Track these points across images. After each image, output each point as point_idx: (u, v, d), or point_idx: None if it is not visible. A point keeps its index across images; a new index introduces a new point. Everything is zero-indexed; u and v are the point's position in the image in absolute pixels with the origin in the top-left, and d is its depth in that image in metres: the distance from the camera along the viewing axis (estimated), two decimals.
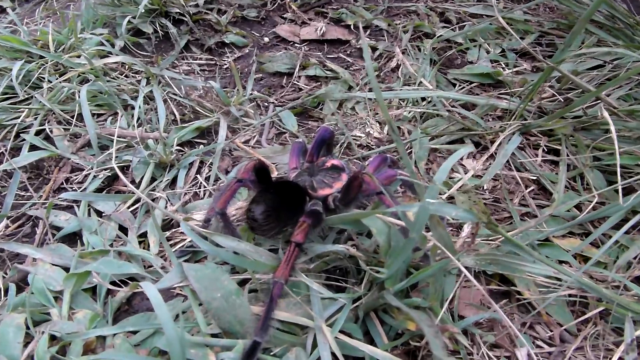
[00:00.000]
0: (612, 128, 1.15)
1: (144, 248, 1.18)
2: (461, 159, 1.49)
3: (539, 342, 1.04)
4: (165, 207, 1.27)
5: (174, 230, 1.21)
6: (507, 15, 2.05)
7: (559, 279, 1.09)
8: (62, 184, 1.41)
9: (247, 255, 0.93)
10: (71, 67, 1.65)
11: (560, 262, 1.15)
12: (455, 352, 0.94)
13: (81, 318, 1.00)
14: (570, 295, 1.07)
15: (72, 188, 1.39)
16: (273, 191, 0.98)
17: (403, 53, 1.88)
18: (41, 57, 1.74)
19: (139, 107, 1.54)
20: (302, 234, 0.90)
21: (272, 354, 0.88)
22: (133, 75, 1.76)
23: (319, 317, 0.89)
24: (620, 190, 1.09)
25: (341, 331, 0.91)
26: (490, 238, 1.12)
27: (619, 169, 1.11)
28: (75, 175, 1.42)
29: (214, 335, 0.90)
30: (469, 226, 1.06)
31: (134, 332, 0.96)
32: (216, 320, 0.88)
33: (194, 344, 0.86)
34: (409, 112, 1.61)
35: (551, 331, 1.05)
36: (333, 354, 0.87)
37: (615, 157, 1.11)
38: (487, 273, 1.13)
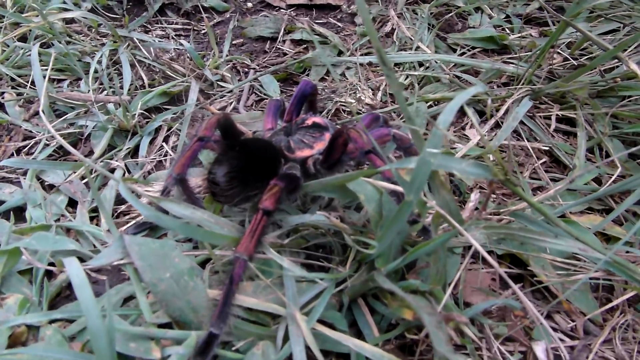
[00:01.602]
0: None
1: (96, 224, 0.99)
2: (463, 128, 1.30)
3: (560, 335, 0.86)
4: (123, 177, 1.08)
5: (129, 203, 1.01)
6: None
7: (578, 260, 0.91)
8: (12, 154, 1.21)
9: (204, 226, 0.73)
10: (25, 24, 1.44)
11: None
12: (461, 347, 0.75)
13: (11, 304, 0.81)
14: (591, 279, 0.89)
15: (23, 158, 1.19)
16: (239, 149, 0.78)
17: (399, 17, 1.68)
18: None
19: (102, 69, 1.34)
20: (271, 199, 0.70)
21: (233, 348, 0.69)
22: (99, 38, 1.56)
23: (292, 303, 0.70)
24: None
25: (321, 321, 0.72)
26: (500, 211, 0.93)
27: None
28: (28, 144, 1.22)
29: (161, 326, 0.70)
30: (476, 195, 0.87)
31: (71, 321, 0.77)
32: (164, 306, 0.69)
33: (134, 335, 0.67)
34: (406, 78, 1.42)
35: (573, 321, 0.88)
36: (310, 349, 0.67)
37: None
38: (496, 253, 0.95)
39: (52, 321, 0.77)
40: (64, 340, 0.73)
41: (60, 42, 1.37)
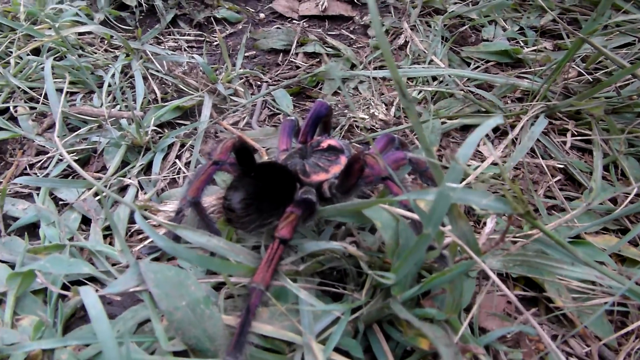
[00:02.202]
0: None
1: (110, 242, 1.00)
2: (477, 144, 1.30)
3: None
4: (136, 195, 1.08)
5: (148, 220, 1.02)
6: None
7: (593, 283, 0.90)
8: (25, 168, 1.22)
9: (220, 253, 0.73)
10: (38, 38, 1.45)
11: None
12: None
13: (26, 326, 0.82)
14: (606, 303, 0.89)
15: (35, 174, 1.20)
16: (255, 175, 0.79)
17: (412, 29, 1.68)
18: (12, 29, 1.55)
19: (115, 82, 1.35)
20: (288, 228, 0.71)
21: None
22: (112, 50, 1.57)
23: (308, 331, 0.70)
24: None
25: (337, 349, 0.72)
26: (517, 235, 0.93)
27: None
28: (41, 160, 1.23)
29: (177, 354, 0.71)
30: (492, 220, 0.87)
31: (88, 345, 0.78)
32: (180, 334, 0.69)
33: None
34: (419, 93, 1.42)
35: (588, 346, 0.87)
36: None
37: None
38: (511, 276, 0.95)
39: None
40: None
41: (73, 56, 1.38)
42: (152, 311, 0.72)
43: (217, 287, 0.84)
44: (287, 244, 0.71)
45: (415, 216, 0.71)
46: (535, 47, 1.62)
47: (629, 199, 1.08)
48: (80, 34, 1.56)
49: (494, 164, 1.17)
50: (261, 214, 0.77)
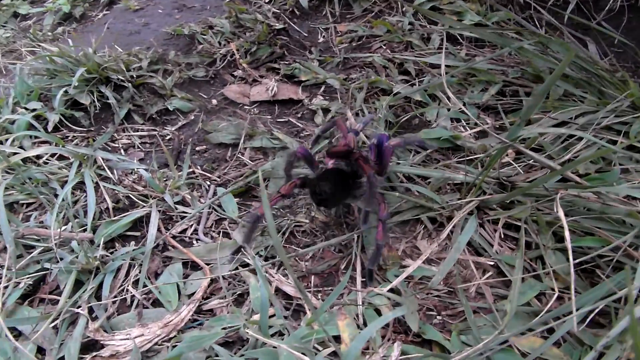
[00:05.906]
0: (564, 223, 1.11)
1: None
2: (415, 238, 1.44)
3: None
4: (87, 323, 1.21)
5: (95, 354, 1.15)
6: (470, 65, 2.00)
7: None
8: None
9: None
10: None
11: None
12: None
13: None
14: None
15: None
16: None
17: (357, 115, 1.82)
18: None
19: (65, 200, 1.48)
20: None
21: None
22: (66, 157, 1.70)
23: None
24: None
25: None
26: None
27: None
28: None
29: None
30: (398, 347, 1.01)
31: None
32: None
33: None
34: None
35: None
36: None
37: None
38: None
39: None
40: None
41: (21, 177, 1.51)
42: None
43: None
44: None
45: None
46: (477, 128, 1.76)
47: (553, 298, 1.20)
48: (34, 143, 1.70)
49: (432, 260, 1.33)
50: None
